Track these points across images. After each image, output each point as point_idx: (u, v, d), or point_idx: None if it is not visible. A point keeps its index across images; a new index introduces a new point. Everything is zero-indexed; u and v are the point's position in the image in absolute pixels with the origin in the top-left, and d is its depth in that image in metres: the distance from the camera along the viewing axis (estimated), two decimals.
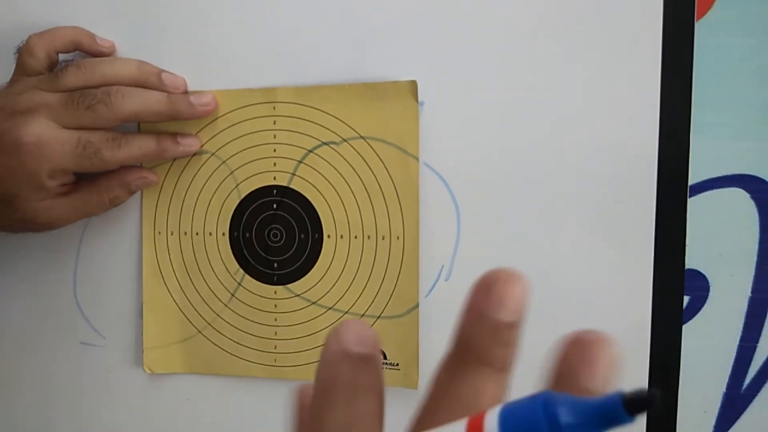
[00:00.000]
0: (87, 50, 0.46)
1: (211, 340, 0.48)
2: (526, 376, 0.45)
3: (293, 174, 0.46)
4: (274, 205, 0.47)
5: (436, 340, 0.46)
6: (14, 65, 0.46)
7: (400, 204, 0.45)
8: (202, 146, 0.47)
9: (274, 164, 0.46)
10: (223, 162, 0.47)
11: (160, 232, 0.48)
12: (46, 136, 0.42)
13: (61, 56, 0.46)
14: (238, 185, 0.47)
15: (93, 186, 0.45)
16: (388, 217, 0.45)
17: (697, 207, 0.43)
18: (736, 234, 0.44)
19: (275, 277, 0.47)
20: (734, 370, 0.44)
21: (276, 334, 0.47)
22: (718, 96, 0.43)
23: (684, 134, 0.43)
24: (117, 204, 0.46)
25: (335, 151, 0.46)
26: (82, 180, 0.45)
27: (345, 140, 0.45)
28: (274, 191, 0.47)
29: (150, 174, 0.47)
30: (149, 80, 0.45)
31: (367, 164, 0.45)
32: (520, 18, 0.43)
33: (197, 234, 0.48)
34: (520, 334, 0.21)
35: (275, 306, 0.47)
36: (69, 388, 0.51)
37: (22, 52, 0.45)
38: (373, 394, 0.21)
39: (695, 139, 0.43)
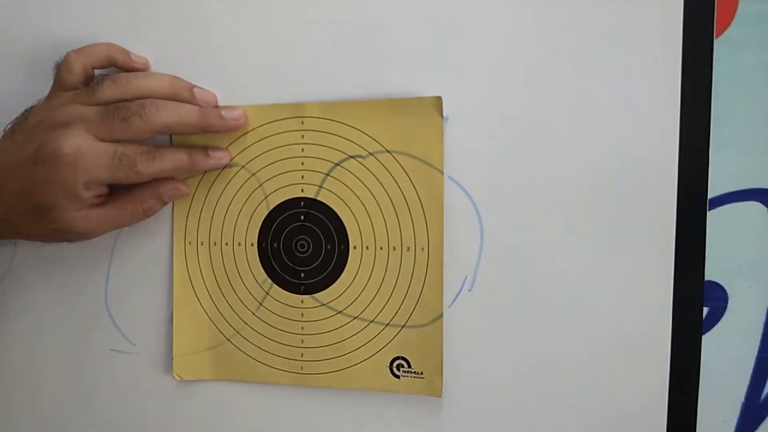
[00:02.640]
0: (122, 66, 0.48)
1: (239, 348, 0.49)
2: (553, 382, 0.46)
3: (320, 186, 0.47)
4: (302, 217, 0.48)
5: (459, 349, 0.47)
6: (52, 80, 0.47)
7: (424, 216, 0.46)
8: (232, 159, 0.48)
9: (302, 177, 0.48)
10: (253, 174, 0.48)
11: (190, 242, 0.50)
12: (84, 147, 0.43)
13: (97, 72, 0.48)
14: (266, 197, 0.48)
15: (127, 197, 0.47)
16: (413, 228, 0.46)
17: (716, 220, 0.44)
18: (755, 246, 0.45)
19: (302, 287, 0.48)
20: (753, 380, 0.45)
21: (303, 342, 0.48)
22: (736, 111, 0.44)
23: (703, 149, 0.43)
24: (150, 215, 0.48)
25: (361, 164, 0.47)
26: (117, 191, 0.47)
27: (371, 154, 0.47)
28: (302, 203, 0.48)
29: (182, 185, 0.48)
30: (181, 94, 0.46)
31: (392, 177, 0.46)
32: (543, 35, 0.44)
33: (227, 244, 0.49)
34: None
35: (302, 315, 0.48)
36: (100, 393, 0.52)
37: (60, 68, 0.47)
38: None
39: (714, 153, 0.43)
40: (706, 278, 0.45)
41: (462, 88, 0.45)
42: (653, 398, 0.45)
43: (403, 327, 0.47)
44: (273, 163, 0.48)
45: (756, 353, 0.45)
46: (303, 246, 0.48)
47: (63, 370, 0.53)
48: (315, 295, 0.48)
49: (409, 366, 0.47)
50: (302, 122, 0.47)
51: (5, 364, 0.54)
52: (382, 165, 0.47)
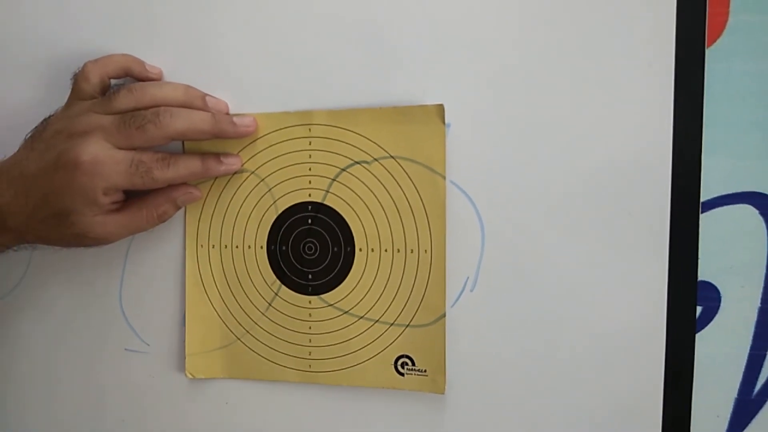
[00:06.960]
0: (137, 76, 0.49)
1: (249, 347, 0.51)
2: (552, 378, 0.48)
3: (327, 191, 0.49)
4: (309, 220, 0.50)
5: (462, 348, 0.48)
6: (70, 90, 0.49)
7: (427, 219, 0.48)
8: (242, 165, 0.50)
9: (310, 182, 0.49)
10: (262, 180, 0.50)
11: (202, 246, 0.51)
12: (102, 155, 0.45)
13: (113, 82, 0.50)
14: (275, 201, 0.50)
15: (142, 202, 0.48)
16: (416, 231, 0.48)
17: (708, 222, 0.46)
18: (746, 248, 0.46)
19: (310, 288, 0.50)
20: (745, 376, 0.46)
21: (310, 341, 0.50)
22: (727, 117, 0.45)
23: (696, 154, 0.45)
24: (165, 219, 0.49)
25: (367, 169, 0.49)
26: (132, 198, 0.48)
27: (376, 159, 0.48)
28: (309, 207, 0.50)
29: (195, 190, 0.50)
30: (194, 103, 0.48)
31: (396, 182, 0.48)
32: (542, 44, 0.46)
33: (237, 247, 0.51)
34: None
35: (310, 315, 0.50)
36: (115, 391, 0.54)
37: (78, 78, 0.48)
38: None
39: (707, 158, 0.45)
40: (700, 278, 0.46)
41: (463, 96, 0.47)
42: (649, 394, 0.46)
43: (407, 326, 0.49)
44: (281, 168, 0.50)
45: (748, 350, 0.46)
46: (311, 248, 0.50)
47: (78, 370, 0.54)
48: (322, 295, 0.50)
49: (413, 364, 0.49)
50: (310, 129, 0.49)
51: (22, 364, 0.56)
52: (387, 170, 0.48)
